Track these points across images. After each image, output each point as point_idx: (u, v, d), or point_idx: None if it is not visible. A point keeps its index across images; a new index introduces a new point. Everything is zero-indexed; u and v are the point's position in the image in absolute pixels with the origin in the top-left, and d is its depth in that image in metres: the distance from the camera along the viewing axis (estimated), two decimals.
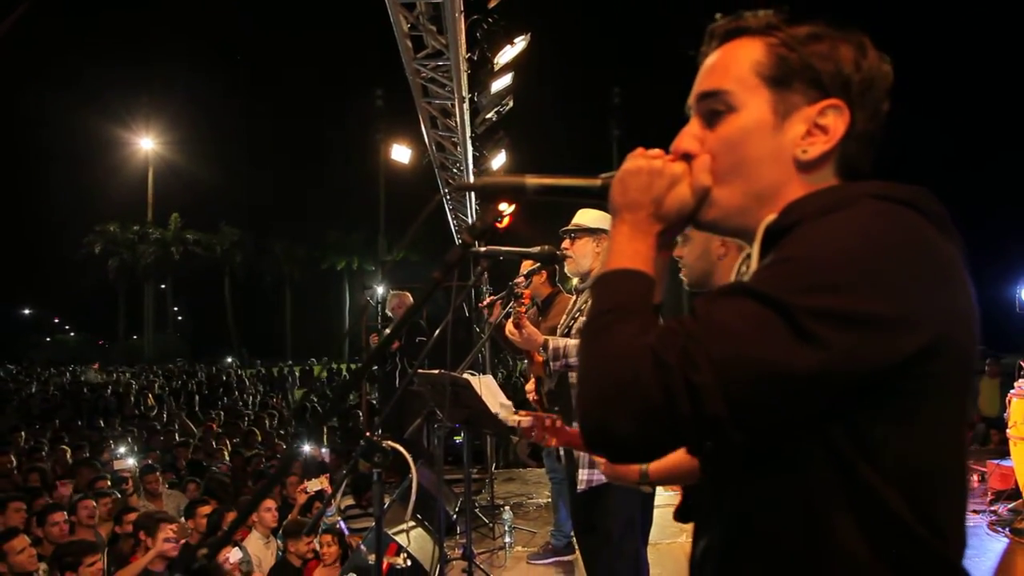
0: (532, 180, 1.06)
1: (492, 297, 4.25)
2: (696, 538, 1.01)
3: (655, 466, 1.73)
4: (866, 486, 0.82)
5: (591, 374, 0.86)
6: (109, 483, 6.20)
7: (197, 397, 18.13)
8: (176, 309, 51.91)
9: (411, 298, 7.01)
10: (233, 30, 55.43)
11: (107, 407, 15.54)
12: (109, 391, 17.50)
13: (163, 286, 48.11)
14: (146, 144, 46.20)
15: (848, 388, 0.79)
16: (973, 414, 9.71)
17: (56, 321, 57.39)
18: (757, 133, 0.94)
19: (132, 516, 4.95)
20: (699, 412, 0.77)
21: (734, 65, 0.96)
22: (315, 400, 16.27)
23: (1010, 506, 5.51)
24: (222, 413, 13.12)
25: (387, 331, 7.08)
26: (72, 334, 55.96)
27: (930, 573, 0.83)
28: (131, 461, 7.37)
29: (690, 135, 0.99)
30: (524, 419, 1.85)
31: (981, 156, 34.84)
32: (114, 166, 46.90)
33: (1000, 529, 5.24)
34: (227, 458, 8.27)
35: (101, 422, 12.92)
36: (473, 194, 8.73)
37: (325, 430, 9.48)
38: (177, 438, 9.69)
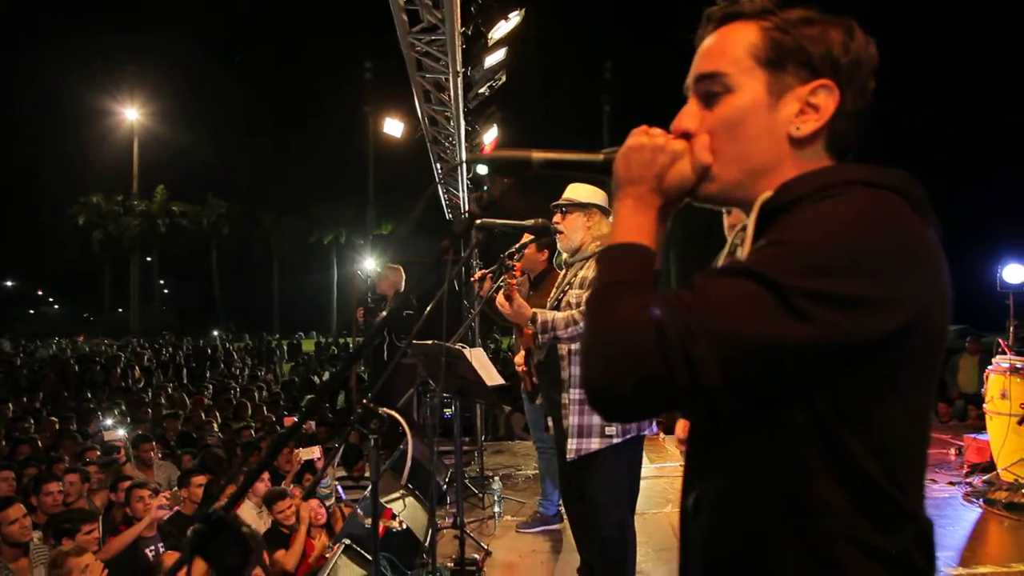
0: (538, 154, 1.10)
1: (483, 271, 4.28)
2: (686, 491, 1.08)
3: None
4: (844, 448, 0.90)
5: (598, 340, 0.90)
6: (99, 454, 6.22)
7: (184, 370, 18.10)
8: (162, 282, 51.51)
9: (403, 273, 7.04)
10: (222, 1, 54.46)
11: (94, 379, 15.48)
12: (98, 366, 17.41)
13: (149, 259, 47.62)
14: (131, 115, 45.34)
15: (834, 361, 0.86)
16: (951, 389, 9.89)
17: (40, 294, 56.85)
18: (753, 112, 1.00)
19: (126, 485, 4.98)
20: (696, 381, 0.84)
21: (731, 48, 1.01)
22: (305, 373, 16.30)
23: (985, 478, 5.68)
24: (211, 386, 13.11)
25: (383, 311, 7.09)
26: (56, 307, 55.47)
27: (895, 520, 0.93)
28: (121, 432, 7.39)
29: (689, 114, 1.04)
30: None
31: (966, 139, 35.07)
32: (98, 137, 46.09)
33: (975, 500, 5.41)
34: (216, 430, 8.31)
35: (88, 394, 12.89)
36: (464, 169, 8.72)
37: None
38: (165, 411, 9.69)
